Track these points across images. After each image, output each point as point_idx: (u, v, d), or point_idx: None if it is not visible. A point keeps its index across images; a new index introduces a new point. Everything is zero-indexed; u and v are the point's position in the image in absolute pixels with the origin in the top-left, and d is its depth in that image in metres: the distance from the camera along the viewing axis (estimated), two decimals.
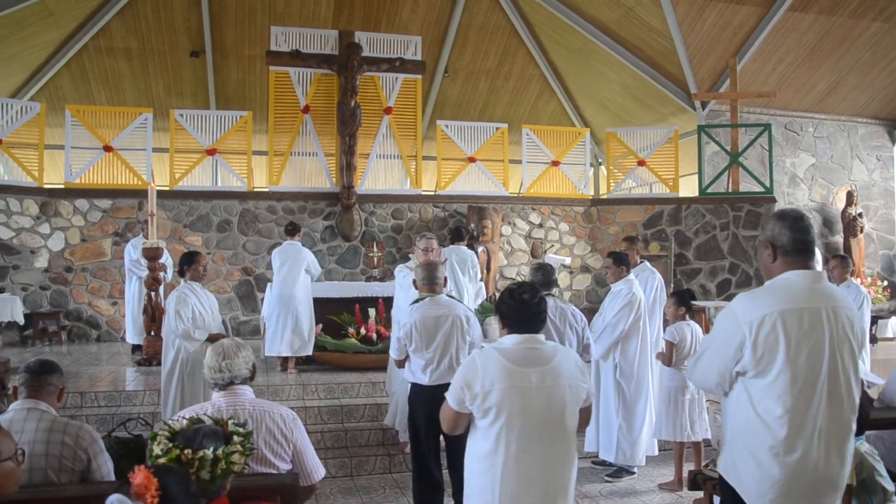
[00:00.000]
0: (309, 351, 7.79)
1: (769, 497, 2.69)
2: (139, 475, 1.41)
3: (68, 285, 10.35)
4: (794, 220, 2.81)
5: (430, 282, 4.75)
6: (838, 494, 2.76)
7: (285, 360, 7.88)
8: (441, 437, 4.53)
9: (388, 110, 11.44)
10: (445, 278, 4.92)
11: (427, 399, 4.50)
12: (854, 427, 2.78)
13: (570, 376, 2.89)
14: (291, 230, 8.20)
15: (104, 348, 9.78)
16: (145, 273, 8.28)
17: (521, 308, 2.96)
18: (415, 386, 4.70)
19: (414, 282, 4.93)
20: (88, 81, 13.41)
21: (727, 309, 2.85)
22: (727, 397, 2.87)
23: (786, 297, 2.73)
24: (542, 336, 2.97)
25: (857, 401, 2.78)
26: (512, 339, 2.93)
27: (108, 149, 10.55)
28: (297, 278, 7.80)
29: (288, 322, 7.67)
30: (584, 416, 3.00)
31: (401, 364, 4.87)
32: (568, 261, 11.47)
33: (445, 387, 3.05)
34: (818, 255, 9.87)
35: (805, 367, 2.66)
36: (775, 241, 2.83)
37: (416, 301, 4.78)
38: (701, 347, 3.03)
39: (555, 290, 5.24)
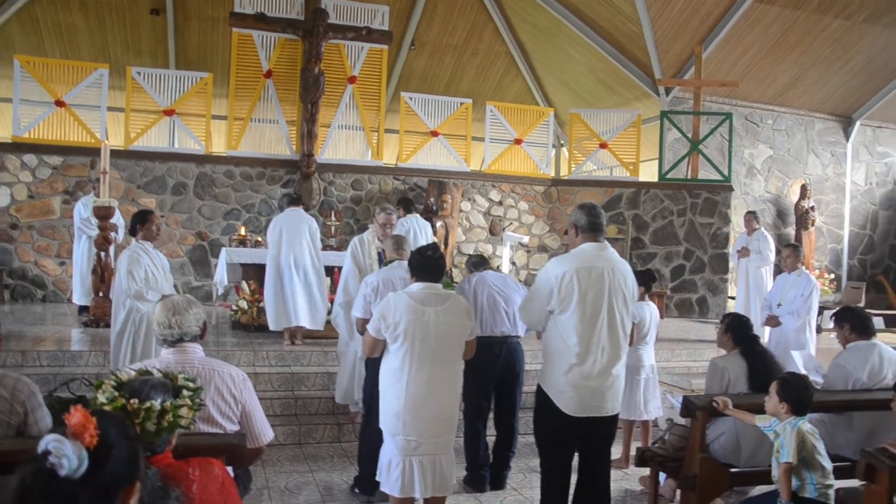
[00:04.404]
0: (321, 325, 7.43)
1: (567, 395, 3.83)
2: (76, 415, 1.34)
3: (13, 243, 10.03)
4: (590, 209, 3.97)
5: (398, 247, 5.09)
6: (617, 395, 3.95)
7: (293, 332, 7.45)
8: None
9: (352, 79, 11.28)
10: (369, 245, 5.54)
11: None
12: (626, 350, 3.98)
13: (458, 316, 3.90)
14: (296, 199, 7.84)
15: (49, 309, 9.52)
16: (95, 232, 8.04)
17: (425, 262, 3.94)
18: None
19: (383, 251, 5.34)
20: (41, 34, 12.92)
21: (543, 269, 4.01)
22: (545, 331, 4.03)
23: (580, 260, 3.87)
24: (439, 285, 3.95)
25: (628, 332, 4.03)
26: (417, 286, 3.91)
27: (60, 104, 10.20)
28: (303, 244, 7.41)
29: (298, 292, 7.30)
30: (469, 347, 4.02)
31: (362, 325, 4.77)
32: (526, 239, 11.49)
33: None
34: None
35: (590, 306, 3.80)
36: (577, 222, 3.98)
37: (386, 264, 5.05)
38: (527, 296, 4.24)
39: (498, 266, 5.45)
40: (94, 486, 1.34)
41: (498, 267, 9.89)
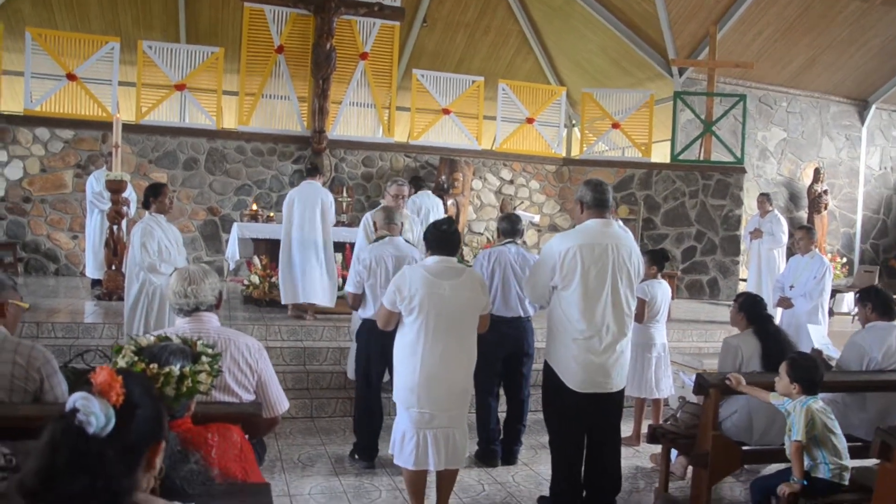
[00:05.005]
0: (332, 302, 7.36)
1: (572, 371, 3.91)
2: (101, 373, 1.34)
3: (26, 216, 10.05)
4: (596, 185, 4.02)
5: (389, 221, 5.11)
6: (622, 371, 4.03)
7: (301, 307, 7.40)
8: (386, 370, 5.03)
9: (363, 56, 11.20)
10: (402, 224, 5.37)
11: (379, 330, 4.64)
12: (630, 326, 4.04)
13: (474, 290, 3.89)
14: (312, 170, 7.68)
15: (62, 282, 9.56)
16: (108, 206, 8.05)
17: (440, 235, 3.93)
18: (367, 321, 4.93)
19: (374, 223, 5.28)
20: (51, 7, 12.88)
21: (547, 244, 4.08)
22: (549, 305, 4.09)
23: (584, 236, 3.93)
24: (454, 259, 3.95)
25: (633, 308, 4.05)
26: (433, 259, 3.91)
27: (71, 77, 10.17)
28: (315, 219, 7.29)
29: (310, 267, 7.21)
30: (483, 321, 4.00)
31: (356, 301, 5.00)
32: (537, 219, 11.46)
33: None
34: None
35: (593, 283, 3.86)
36: (583, 199, 4.04)
37: (377, 239, 5.07)
38: (531, 271, 4.34)
39: (520, 241, 5.29)
40: (121, 445, 1.34)
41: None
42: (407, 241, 5.30)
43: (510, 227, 5.28)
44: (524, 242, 11.50)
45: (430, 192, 8.38)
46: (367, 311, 4.97)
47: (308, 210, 7.32)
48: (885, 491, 3.31)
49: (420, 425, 3.79)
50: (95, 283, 8.67)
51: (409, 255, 4.98)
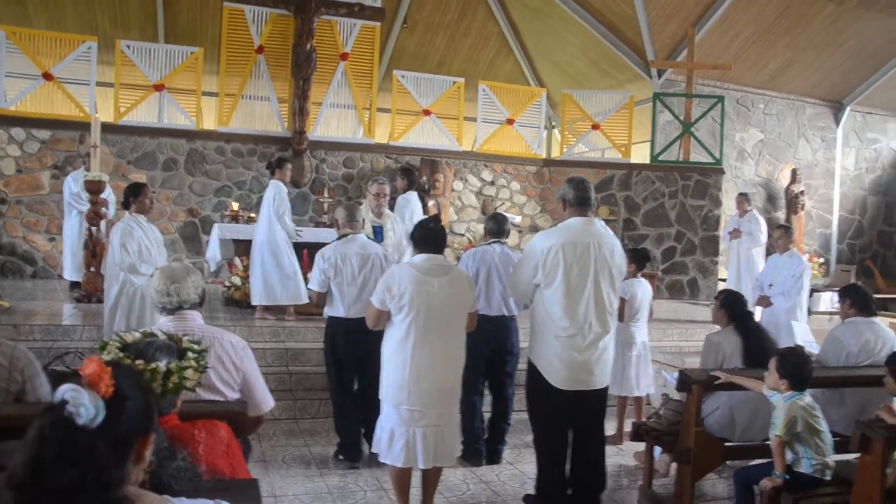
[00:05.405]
0: (291, 299, 7.31)
1: (555, 368, 3.93)
2: (91, 365, 1.32)
3: (2, 218, 9.90)
4: (578, 183, 4.04)
5: (350, 219, 5.13)
6: (605, 368, 4.07)
7: (272, 308, 7.42)
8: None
9: (344, 56, 11.17)
10: (364, 220, 5.48)
11: (347, 328, 4.88)
12: (613, 324, 4.07)
13: (461, 287, 3.93)
14: (271, 170, 7.59)
15: (40, 285, 9.43)
16: (86, 207, 7.95)
17: (427, 233, 3.96)
18: (334, 319, 5.01)
19: (336, 221, 5.33)
20: (25, 4, 12.68)
21: (530, 242, 4.09)
22: (532, 304, 4.11)
23: (567, 234, 3.96)
24: (442, 256, 3.97)
25: (616, 306, 4.10)
26: (420, 257, 3.93)
27: (47, 77, 10.04)
28: (262, 220, 7.29)
29: (266, 269, 7.19)
30: (471, 319, 4.03)
31: (321, 299, 5.06)
32: (518, 220, 11.50)
33: (362, 319, 4.13)
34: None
35: (575, 280, 3.88)
36: (565, 196, 4.07)
37: (340, 237, 5.11)
38: (514, 269, 4.36)
39: (504, 240, 5.29)
40: (111, 437, 1.33)
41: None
42: (372, 240, 5.41)
43: (496, 226, 5.30)
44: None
45: (416, 193, 8.31)
46: (335, 310, 5.00)
47: (262, 211, 7.38)
48: (864, 483, 3.35)
49: (409, 423, 3.79)
50: (74, 285, 8.56)
51: (374, 253, 5.05)
